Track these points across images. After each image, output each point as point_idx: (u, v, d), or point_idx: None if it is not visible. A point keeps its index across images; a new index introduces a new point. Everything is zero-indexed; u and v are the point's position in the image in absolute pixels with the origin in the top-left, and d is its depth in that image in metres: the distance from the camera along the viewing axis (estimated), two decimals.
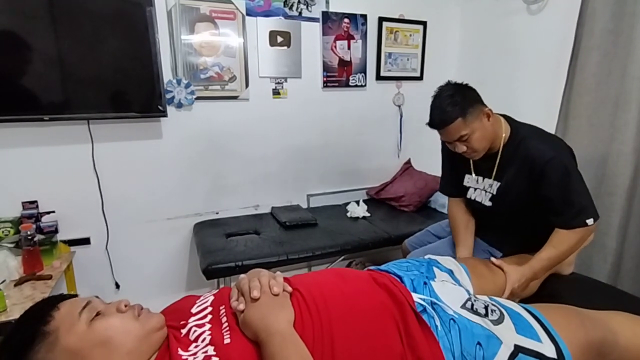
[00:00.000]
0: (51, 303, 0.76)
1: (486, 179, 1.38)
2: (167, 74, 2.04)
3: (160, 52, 1.94)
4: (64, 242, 1.97)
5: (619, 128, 1.77)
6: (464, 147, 1.28)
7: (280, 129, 2.39)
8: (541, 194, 1.24)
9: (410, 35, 2.63)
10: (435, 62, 2.73)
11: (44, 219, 1.90)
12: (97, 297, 0.80)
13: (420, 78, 2.73)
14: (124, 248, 2.13)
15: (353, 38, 2.46)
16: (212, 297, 0.88)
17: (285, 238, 2.01)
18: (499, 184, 1.34)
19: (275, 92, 2.34)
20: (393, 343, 0.81)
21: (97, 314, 0.74)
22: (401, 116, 2.72)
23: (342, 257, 2.04)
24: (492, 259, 1.31)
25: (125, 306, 0.78)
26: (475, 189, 1.43)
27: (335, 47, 2.42)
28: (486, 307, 0.91)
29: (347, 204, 2.44)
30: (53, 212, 1.93)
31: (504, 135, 1.31)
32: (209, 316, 0.81)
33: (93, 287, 2.07)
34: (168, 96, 2.05)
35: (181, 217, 2.25)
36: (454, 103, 1.23)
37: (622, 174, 1.77)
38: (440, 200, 2.47)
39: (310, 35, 2.35)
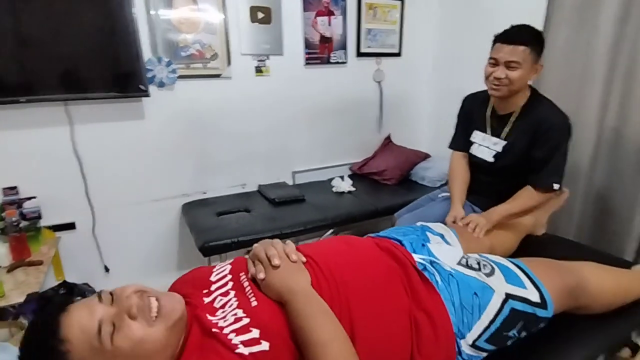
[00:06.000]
0: (52, 330, 0.67)
1: (493, 137, 1.52)
2: (146, 53, 1.98)
3: (138, 29, 1.87)
4: (48, 227, 1.92)
5: (584, 101, 1.91)
6: (502, 74, 1.37)
7: (263, 106, 2.39)
8: (532, 154, 1.40)
9: (389, 11, 2.65)
10: (414, 38, 2.79)
11: (26, 205, 1.85)
12: (99, 293, 0.73)
13: (399, 54, 2.78)
14: (111, 231, 2.11)
15: (333, 14, 2.46)
16: (229, 266, 0.92)
17: (276, 214, 2.06)
18: (505, 142, 1.48)
19: (258, 70, 2.32)
20: (401, 299, 0.90)
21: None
22: (381, 92, 2.78)
23: (332, 230, 2.12)
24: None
25: (135, 308, 0.70)
26: (480, 146, 1.57)
27: (317, 23, 2.42)
28: (479, 263, 1.02)
29: (332, 179, 2.51)
30: (34, 197, 1.88)
31: (524, 100, 1.45)
32: (230, 283, 0.86)
33: (81, 271, 2.05)
34: (149, 75, 2.00)
35: (168, 198, 2.24)
36: (534, 36, 1.37)
37: (586, 144, 1.93)
38: (421, 173, 2.59)
39: (291, 11, 2.33)
